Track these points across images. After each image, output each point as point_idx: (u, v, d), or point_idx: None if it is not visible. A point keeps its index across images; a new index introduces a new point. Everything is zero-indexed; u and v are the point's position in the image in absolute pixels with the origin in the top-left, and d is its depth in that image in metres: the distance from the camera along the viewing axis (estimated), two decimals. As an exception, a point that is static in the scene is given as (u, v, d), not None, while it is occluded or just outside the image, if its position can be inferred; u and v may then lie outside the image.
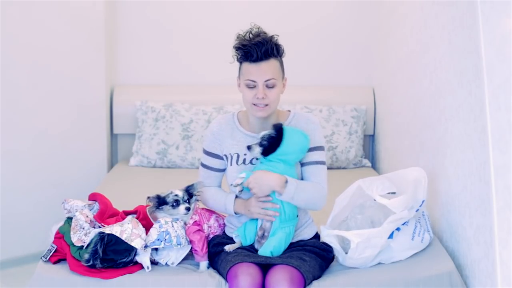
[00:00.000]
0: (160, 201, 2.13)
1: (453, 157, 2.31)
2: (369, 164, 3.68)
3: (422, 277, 2.08)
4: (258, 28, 2.14)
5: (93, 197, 2.29)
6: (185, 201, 2.13)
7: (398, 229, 2.18)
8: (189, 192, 2.16)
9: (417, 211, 2.23)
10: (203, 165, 2.27)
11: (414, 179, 2.25)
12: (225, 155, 2.23)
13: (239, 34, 2.15)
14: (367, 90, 3.87)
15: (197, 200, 2.21)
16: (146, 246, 2.06)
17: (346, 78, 3.92)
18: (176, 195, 2.12)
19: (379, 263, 2.17)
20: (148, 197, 2.15)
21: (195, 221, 2.17)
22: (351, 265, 2.15)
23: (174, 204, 2.12)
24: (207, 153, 2.26)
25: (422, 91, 2.76)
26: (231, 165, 2.22)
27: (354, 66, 3.92)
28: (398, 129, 3.26)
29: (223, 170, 2.27)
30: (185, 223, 2.15)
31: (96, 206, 2.25)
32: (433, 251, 2.24)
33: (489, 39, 1.87)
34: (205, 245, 2.15)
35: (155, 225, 2.10)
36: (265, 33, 2.13)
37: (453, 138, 2.31)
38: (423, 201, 2.23)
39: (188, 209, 2.12)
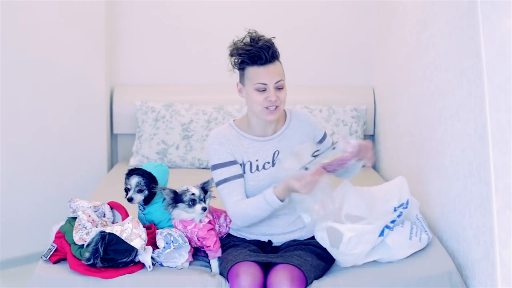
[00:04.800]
0: (177, 199, 2.12)
1: (453, 157, 2.31)
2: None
3: (422, 277, 2.09)
4: (255, 32, 2.14)
5: (113, 206, 2.30)
6: (202, 200, 2.11)
7: (389, 227, 2.17)
8: (204, 189, 2.14)
9: (405, 208, 2.23)
10: (223, 181, 2.16)
11: (397, 187, 2.31)
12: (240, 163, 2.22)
13: (237, 41, 2.14)
14: (367, 90, 3.87)
15: (212, 197, 2.17)
16: (159, 254, 2.07)
17: (346, 78, 3.92)
18: (193, 194, 2.10)
19: (379, 263, 2.17)
20: (164, 189, 2.13)
21: (209, 220, 2.17)
22: (343, 261, 2.14)
23: (191, 203, 2.10)
24: (222, 165, 2.18)
25: (422, 91, 2.76)
26: (244, 173, 2.20)
27: (354, 66, 3.92)
28: (398, 129, 3.26)
29: (243, 175, 2.20)
30: (200, 221, 2.14)
31: (101, 209, 2.25)
32: (433, 251, 2.24)
33: (489, 39, 1.87)
34: (218, 241, 2.16)
35: (157, 235, 2.10)
36: (263, 36, 2.13)
37: (453, 138, 2.31)
38: (407, 201, 2.24)
39: (204, 209, 2.10)
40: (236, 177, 2.17)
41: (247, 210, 2.13)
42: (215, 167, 2.19)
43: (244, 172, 2.20)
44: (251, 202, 2.12)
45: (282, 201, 2.07)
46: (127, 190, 2.23)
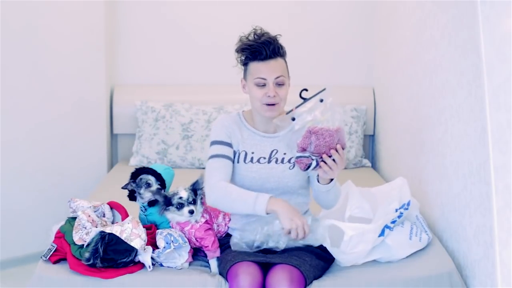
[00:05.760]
0: (166, 202, 2.12)
1: (453, 157, 2.31)
2: (369, 164, 3.68)
3: (422, 277, 2.08)
4: (261, 29, 2.16)
5: (113, 206, 2.30)
6: (190, 203, 2.11)
7: (389, 228, 2.18)
8: (195, 189, 2.15)
9: (406, 209, 2.23)
10: (214, 156, 2.17)
11: (397, 189, 2.29)
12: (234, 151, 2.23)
13: (242, 37, 2.17)
14: (367, 90, 3.87)
15: (204, 195, 2.17)
16: (159, 254, 2.07)
17: (346, 78, 3.92)
18: (181, 197, 2.11)
19: (379, 263, 2.17)
20: (158, 193, 2.14)
21: (206, 220, 2.17)
22: (343, 261, 2.14)
23: (178, 206, 2.11)
24: (218, 142, 2.19)
25: (422, 91, 2.76)
26: (238, 162, 2.21)
27: (354, 66, 3.92)
28: (398, 129, 3.26)
29: (233, 160, 2.21)
30: (196, 221, 2.15)
31: (101, 209, 2.25)
32: (433, 251, 2.24)
33: (489, 39, 1.87)
34: (216, 241, 2.16)
35: (157, 235, 2.11)
36: (268, 33, 2.15)
37: (453, 138, 2.31)
38: (408, 202, 2.24)
39: (191, 212, 2.10)
40: (227, 157, 2.18)
41: (232, 193, 2.09)
42: (211, 143, 2.22)
43: (238, 162, 2.20)
44: (241, 191, 2.10)
45: (266, 213, 2.06)
46: (133, 191, 2.23)
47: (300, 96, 2.04)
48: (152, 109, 3.62)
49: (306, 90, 2.04)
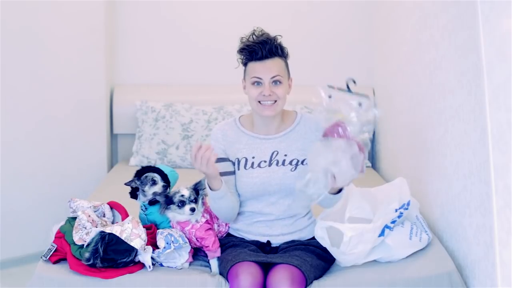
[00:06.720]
0: (168, 201, 2.13)
1: (453, 157, 2.31)
2: (369, 164, 3.68)
3: (422, 277, 2.08)
4: (261, 30, 2.17)
5: (113, 206, 2.30)
6: (192, 201, 2.11)
7: (389, 228, 2.18)
8: (197, 190, 2.16)
9: (406, 209, 2.23)
10: None
11: (397, 189, 2.29)
12: (232, 161, 2.23)
13: (242, 37, 2.18)
14: (367, 90, 3.86)
15: (205, 195, 2.19)
16: (159, 254, 2.08)
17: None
18: (182, 195, 2.11)
19: (379, 263, 2.17)
20: (158, 194, 2.15)
21: (207, 220, 2.17)
22: (343, 261, 2.14)
23: (180, 204, 2.11)
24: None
25: (422, 91, 2.76)
26: (238, 169, 2.21)
27: (354, 66, 3.91)
28: (398, 129, 3.26)
29: (233, 173, 2.23)
30: (196, 221, 2.15)
31: (101, 209, 2.25)
32: (433, 251, 2.24)
33: (489, 39, 1.87)
34: (216, 241, 2.16)
35: (158, 235, 2.11)
36: (267, 33, 2.16)
37: (453, 138, 2.31)
38: (408, 202, 2.24)
39: (193, 209, 2.11)
40: (224, 174, 2.20)
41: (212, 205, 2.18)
42: None
43: (238, 169, 2.21)
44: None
45: (212, 189, 2.11)
46: (136, 189, 2.23)
47: (347, 85, 2.01)
48: (152, 109, 3.62)
49: (355, 82, 2.02)
